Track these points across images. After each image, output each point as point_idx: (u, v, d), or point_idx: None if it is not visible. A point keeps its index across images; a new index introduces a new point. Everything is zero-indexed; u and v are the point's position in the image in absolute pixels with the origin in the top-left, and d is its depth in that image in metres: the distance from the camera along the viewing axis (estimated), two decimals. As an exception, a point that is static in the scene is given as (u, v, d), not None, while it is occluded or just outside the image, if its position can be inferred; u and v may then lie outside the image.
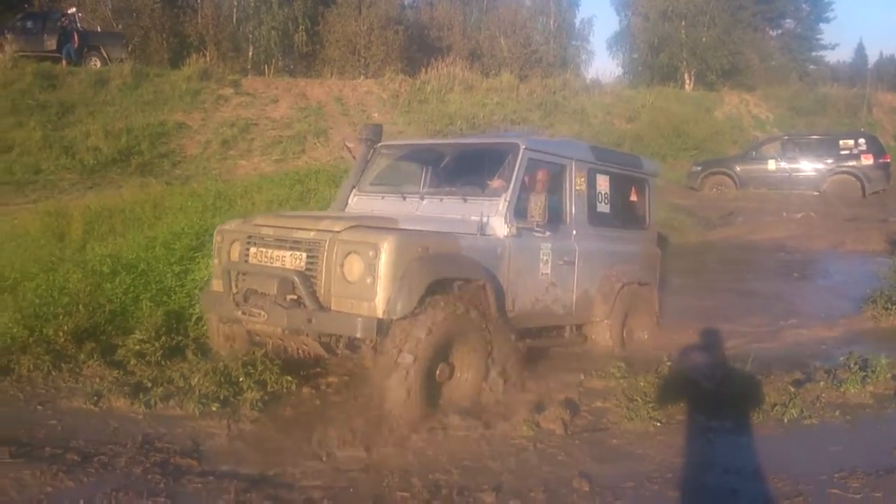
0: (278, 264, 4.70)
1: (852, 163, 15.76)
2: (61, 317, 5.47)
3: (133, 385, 4.76)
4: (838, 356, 5.66)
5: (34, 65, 17.72)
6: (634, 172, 6.58)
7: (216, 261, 5.21)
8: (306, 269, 4.55)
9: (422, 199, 5.50)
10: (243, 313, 4.67)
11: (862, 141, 16.05)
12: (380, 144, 6.18)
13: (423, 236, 4.56)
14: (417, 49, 28.59)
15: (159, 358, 5.22)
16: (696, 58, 31.80)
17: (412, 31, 30.19)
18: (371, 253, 4.27)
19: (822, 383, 5.08)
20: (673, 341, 6.18)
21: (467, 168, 5.89)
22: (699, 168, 16.93)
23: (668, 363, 5.29)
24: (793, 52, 40.65)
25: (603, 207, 6.04)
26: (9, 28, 19.83)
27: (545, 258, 5.32)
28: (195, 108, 17.70)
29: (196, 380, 4.68)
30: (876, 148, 15.99)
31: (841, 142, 16.18)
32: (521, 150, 5.25)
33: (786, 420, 4.55)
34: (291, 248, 4.67)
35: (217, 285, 5.11)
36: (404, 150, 6.54)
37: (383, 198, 5.73)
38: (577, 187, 5.73)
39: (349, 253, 4.38)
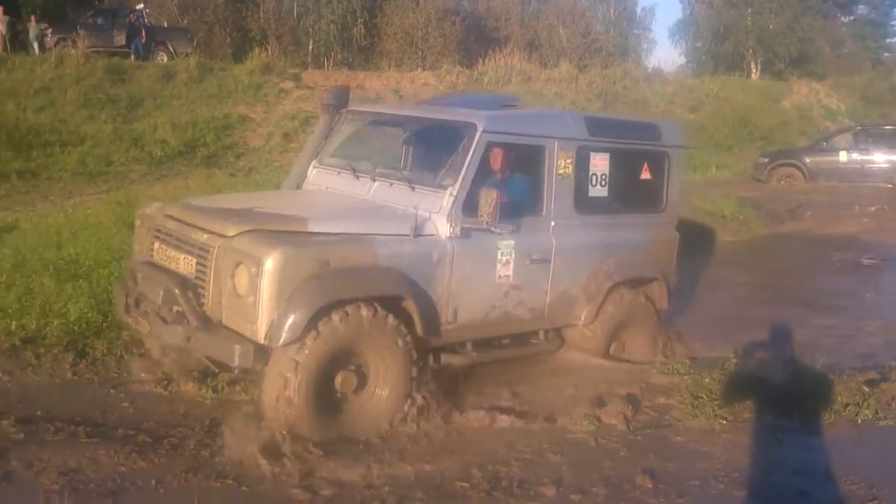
0: (173, 267, 4.15)
1: (929, 154, 15.05)
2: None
3: (201, 370, 4.87)
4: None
5: (105, 60, 18.39)
6: (648, 145, 5.51)
7: (137, 248, 4.68)
8: (196, 277, 3.99)
9: (374, 180, 4.75)
10: (132, 320, 4.27)
11: (938, 132, 15.34)
12: (345, 109, 5.41)
13: (327, 246, 3.90)
14: (475, 40, 28.60)
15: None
16: (762, 46, 30.94)
17: (469, 22, 30.20)
18: (254, 269, 3.66)
19: (898, 383, 4.87)
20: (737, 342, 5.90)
21: (425, 147, 5.16)
22: (766, 160, 16.40)
23: (734, 360, 5.15)
24: (866, 39, 39.22)
25: (598, 191, 5.11)
26: (81, 25, 20.74)
27: (504, 259, 4.54)
28: (258, 101, 18.05)
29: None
30: (953, 139, 15.25)
31: (917, 132, 15.48)
32: (478, 133, 4.36)
33: (859, 420, 4.41)
34: (186, 251, 4.08)
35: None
36: (372, 118, 5.68)
37: (339, 174, 5.02)
38: (561, 171, 4.80)
39: (239, 263, 3.77)
